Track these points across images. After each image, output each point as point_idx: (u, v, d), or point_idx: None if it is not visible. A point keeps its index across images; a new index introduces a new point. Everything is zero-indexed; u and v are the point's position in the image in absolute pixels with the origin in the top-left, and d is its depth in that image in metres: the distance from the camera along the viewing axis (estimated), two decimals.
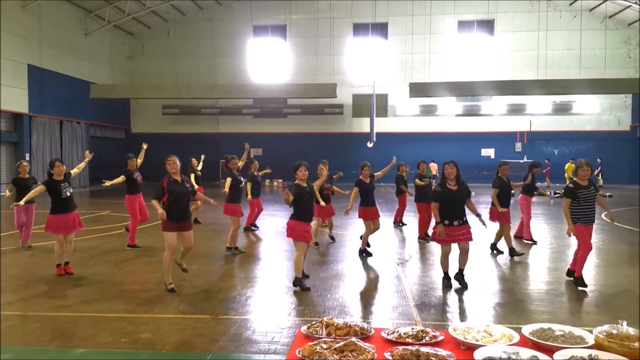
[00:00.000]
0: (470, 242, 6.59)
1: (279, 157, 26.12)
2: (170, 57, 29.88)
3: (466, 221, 6.54)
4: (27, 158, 21.76)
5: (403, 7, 28.88)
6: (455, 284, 6.63)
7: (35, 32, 22.68)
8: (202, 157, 13.17)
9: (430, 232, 9.53)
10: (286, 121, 30.22)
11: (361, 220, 8.64)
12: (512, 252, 8.55)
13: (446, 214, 6.47)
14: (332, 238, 10.05)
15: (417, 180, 10.52)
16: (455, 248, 6.63)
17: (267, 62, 30.24)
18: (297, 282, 6.46)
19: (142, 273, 7.44)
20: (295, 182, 6.53)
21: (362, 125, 29.47)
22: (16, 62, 21.43)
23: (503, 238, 8.76)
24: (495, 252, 8.89)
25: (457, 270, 6.69)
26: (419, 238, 10.38)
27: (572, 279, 6.80)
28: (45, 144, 23.35)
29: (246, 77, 30.06)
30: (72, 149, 25.45)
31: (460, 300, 6.13)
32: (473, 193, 7.16)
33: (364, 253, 8.65)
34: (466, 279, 6.63)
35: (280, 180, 28.35)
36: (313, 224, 7.28)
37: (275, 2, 29.43)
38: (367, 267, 7.99)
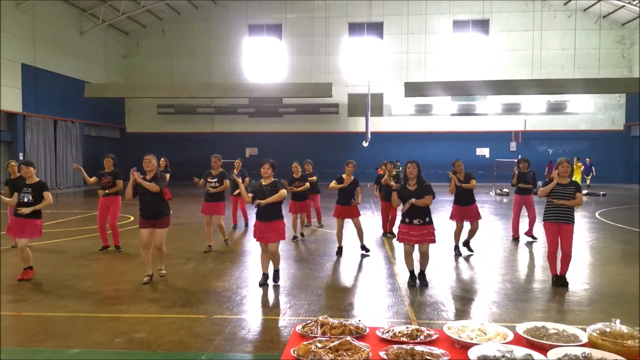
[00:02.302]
0: (431, 244, 6.51)
1: (274, 156, 25.89)
2: (166, 56, 29.78)
3: (429, 222, 6.48)
4: (21, 157, 21.64)
5: (398, 6, 28.90)
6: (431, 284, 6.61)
7: (29, 31, 22.54)
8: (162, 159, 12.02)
9: (395, 230, 9.51)
10: (282, 120, 30.19)
11: (353, 220, 8.67)
12: (457, 249, 8.69)
13: (406, 212, 6.48)
14: (302, 234, 10.33)
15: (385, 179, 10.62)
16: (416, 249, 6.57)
17: (262, 62, 30.17)
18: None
19: (136, 273, 7.41)
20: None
21: (357, 124, 29.48)
22: (10, 62, 21.30)
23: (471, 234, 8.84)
24: (458, 251, 8.74)
25: (419, 270, 6.67)
26: (382, 234, 10.79)
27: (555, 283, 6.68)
28: (39, 144, 23.22)
29: (242, 77, 30.00)
30: (66, 148, 25.31)
31: (455, 299, 6.15)
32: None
33: (342, 252, 8.74)
34: (460, 277, 6.64)
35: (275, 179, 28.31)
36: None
37: (270, 1, 29.37)
38: (362, 266, 8.00)
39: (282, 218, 6.61)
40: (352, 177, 8.67)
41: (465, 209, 8.67)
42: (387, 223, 10.87)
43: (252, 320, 5.35)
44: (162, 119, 30.72)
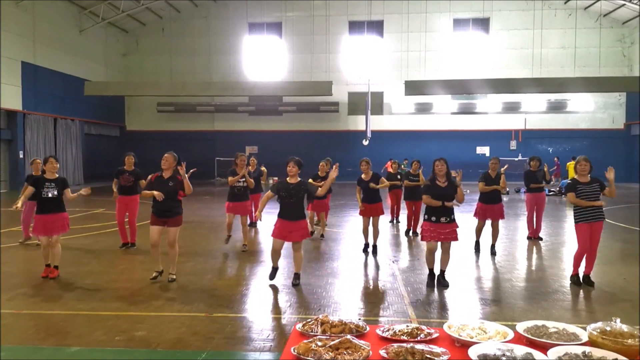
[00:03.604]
0: (453, 242, 6.50)
1: (274, 154, 26.05)
2: (165, 55, 29.76)
3: (453, 219, 6.47)
4: (21, 156, 21.65)
5: (399, 5, 28.87)
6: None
7: (29, 29, 22.53)
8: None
9: (418, 230, 9.49)
10: (282, 119, 30.18)
11: (373, 219, 8.63)
12: (478, 245, 8.81)
13: (433, 210, 6.43)
14: (322, 236, 10.18)
15: (406, 182, 10.79)
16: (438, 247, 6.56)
17: (262, 60, 30.16)
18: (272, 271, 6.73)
19: (136, 271, 7.41)
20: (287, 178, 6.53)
21: (357, 123, 29.46)
22: (10, 60, 21.29)
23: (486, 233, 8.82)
24: (478, 248, 8.87)
25: (439, 271, 6.62)
26: (405, 232, 10.75)
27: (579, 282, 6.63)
28: (39, 142, 23.22)
29: (242, 75, 29.99)
30: (66, 146, 25.31)
31: (455, 298, 6.15)
32: (467, 190, 7.12)
33: (368, 248, 8.70)
34: (461, 276, 6.62)
35: (276, 178, 28.31)
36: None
37: None
38: (363, 265, 8.00)
39: (306, 217, 6.63)
40: (371, 172, 8.65)
41: (490, 207, 8.66)
42: (412, 220, 10.85)
43: (252, 318, 5.34)
44: (162, 117, 30.72)
